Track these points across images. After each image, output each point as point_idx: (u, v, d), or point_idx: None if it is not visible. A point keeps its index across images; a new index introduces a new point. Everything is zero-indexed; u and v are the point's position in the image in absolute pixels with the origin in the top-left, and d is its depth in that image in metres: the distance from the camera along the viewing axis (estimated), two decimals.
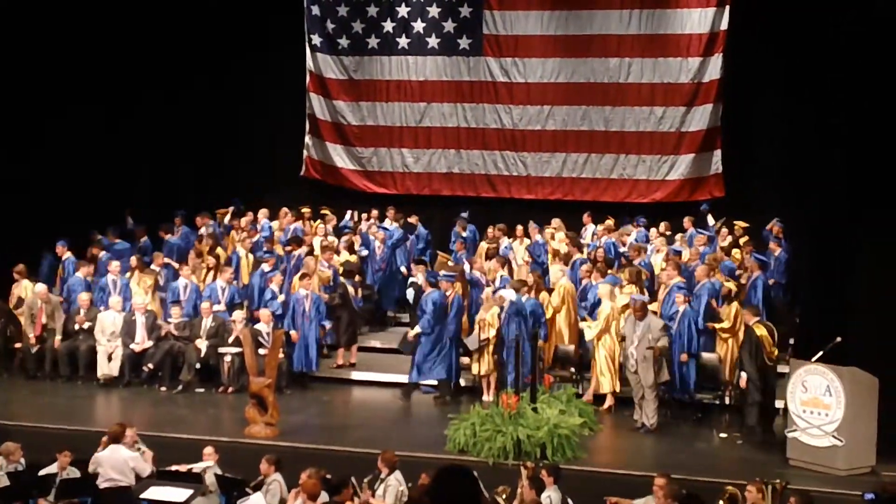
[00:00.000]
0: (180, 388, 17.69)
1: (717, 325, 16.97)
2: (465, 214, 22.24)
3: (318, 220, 22.65)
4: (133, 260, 19.67)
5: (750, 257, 18.95)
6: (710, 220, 21.59)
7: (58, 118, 21.37)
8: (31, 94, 20.65)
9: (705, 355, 17.04)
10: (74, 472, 12.48)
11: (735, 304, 17.06)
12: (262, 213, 22.48)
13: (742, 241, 20.53)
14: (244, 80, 24.36)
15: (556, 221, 21.64)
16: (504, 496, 11.60)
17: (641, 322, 15.67)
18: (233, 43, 23.92)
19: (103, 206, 21.48)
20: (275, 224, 22.27)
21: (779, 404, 15.86)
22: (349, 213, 23.06)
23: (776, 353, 15.60)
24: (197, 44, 23.37)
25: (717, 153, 22.53)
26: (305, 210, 22.83)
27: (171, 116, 23.42)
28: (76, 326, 18.21)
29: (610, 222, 21.77)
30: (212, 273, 19.61)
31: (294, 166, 24.92)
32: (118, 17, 22.04)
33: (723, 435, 15.69)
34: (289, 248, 20.36)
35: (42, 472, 12.49)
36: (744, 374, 15.17)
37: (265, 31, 24.19)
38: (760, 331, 15.25)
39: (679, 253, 19.77)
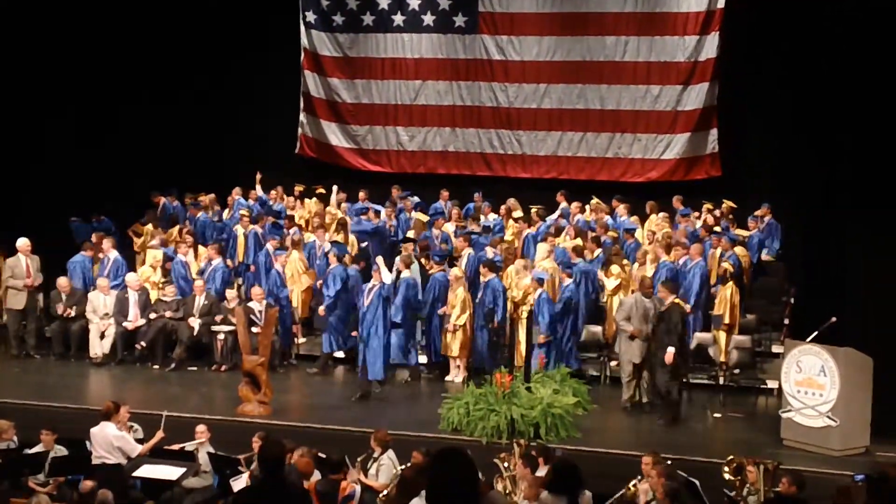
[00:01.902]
0: (173, 366, 17.67)
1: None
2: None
3: (314, 199, 22.60)
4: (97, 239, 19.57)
5: (724, 237, 18.97)
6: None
7: (57, 118, 21.46)
8: (31, 93, 20.59)
9: (699, 335, 17.08)
10: (62, 451, 12.43)
11: (731, 285, 17.07)
12: (236, 192, 22.48)
13: (728, 219, 20.60)
14: (241, 69, 24.28)
15: (511, 201, 21.77)
16: (505, 463, 11.59)
17: (650, 300, 15.65)
18: (230, 31, 23.90)
19: (103, 202, 21.43)
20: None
21: (773, 384, 15.89)
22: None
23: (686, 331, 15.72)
24: (195, 34, 23.28)
25: (714, 132, 22.45)
26: (298, 188, 22.74)
27: (168, 108, 23.30)
28: (60, 312, 18.16)
29: (595, 201, 21.77)
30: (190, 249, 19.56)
31: (288, 145, 24.84)
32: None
33: (717, 415, 15.70)
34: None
35: (30, 451, 12.44)
36: (671, 349, 15.09)
37: (259, 13, 24.04)
38: (682, 308, 15.39)
39: (632, 231, 20.00)
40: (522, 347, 16.46)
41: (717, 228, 19.69)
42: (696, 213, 21.02)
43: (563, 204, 21.91)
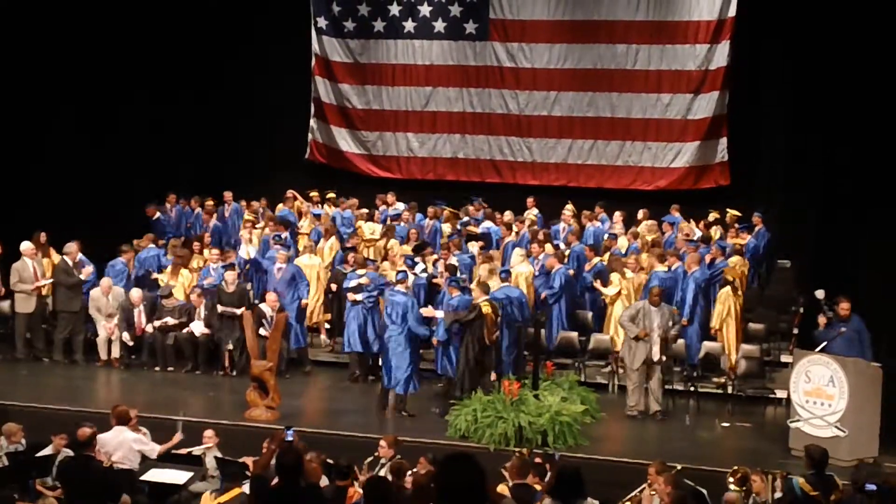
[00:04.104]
0: (189, 366, 17.82)
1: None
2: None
3: (329, 203, 22.64)
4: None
5: (714, 245, 18.93)
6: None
7: (70, 115, 21.58)
8: (31, 95, 20.63)
9: (708, 343, 17.06)
10: (70, 454, 12.42)
11: (727, 289, 17.12)
12: (227, 196, 22.51)
13: (733, 229, 20.59)
14: (247, 68, 24.35)
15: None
16: (511, 470, 11.56)
17: (657, 308, 15.64)
18: (237, 29, 24.03)
19: (107, 203, 21.50)
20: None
21: (781, 394, 15.86)
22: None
23: (496, 335, 15.69)
24: (202, 31, 23.40)
25: (723, 141, 22.42)
26: (314, 194, 22.67)
27: (176, 106, 23.38)
28: (78, 276, 18.17)
29: (570, 206, 21.85)
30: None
31: (297, 150, 24.90)
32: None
33: (725, 424, 15.67)
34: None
35: (39, 454, 12.45)
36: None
37: (270, 15, 24.15)
38: (486, 309, 15.46)
39: (615, 237, 20.01)
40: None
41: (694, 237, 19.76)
42: (703, 222, 21.01)
43: (535, 210, 22.03)
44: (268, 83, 24.38)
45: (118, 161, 22.17)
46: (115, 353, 17.99)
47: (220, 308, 17.73)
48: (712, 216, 21.08)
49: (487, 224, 21.10)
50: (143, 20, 22.42)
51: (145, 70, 22.81)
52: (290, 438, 10.00)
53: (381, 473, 12.09)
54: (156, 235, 20.50)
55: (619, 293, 17.94)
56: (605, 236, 20.08)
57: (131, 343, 17.98)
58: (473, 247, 19.46)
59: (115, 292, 18.19)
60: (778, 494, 11.14)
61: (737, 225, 20.48)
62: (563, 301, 17.98)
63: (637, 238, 20.11)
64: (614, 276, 18.08)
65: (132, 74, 22.50)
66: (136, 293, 18.25)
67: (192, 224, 22.06)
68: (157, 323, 17.93)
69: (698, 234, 20.06)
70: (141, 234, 20.40)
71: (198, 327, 17.84)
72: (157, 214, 21.65)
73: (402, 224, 20.98)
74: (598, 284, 18.29)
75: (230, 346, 17.62)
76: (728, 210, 20.98)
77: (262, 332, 16.37)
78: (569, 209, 21.67)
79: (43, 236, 19.12)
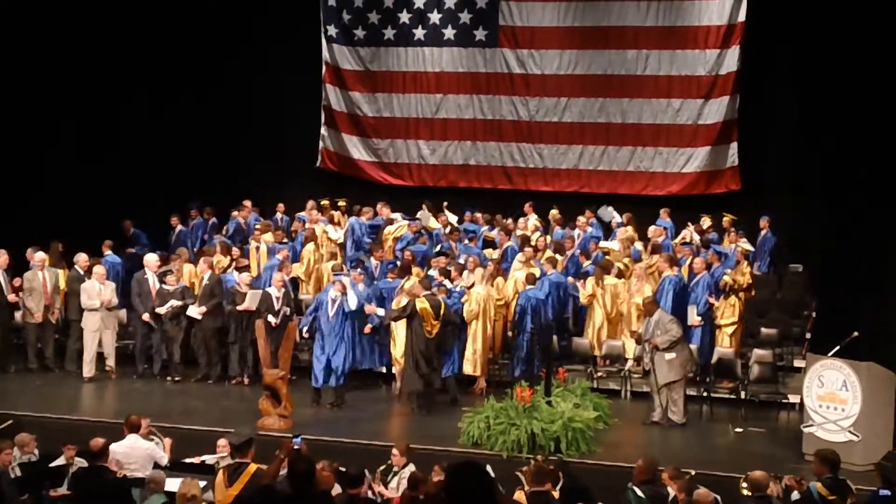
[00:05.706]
0: (194, 380, 17.81)
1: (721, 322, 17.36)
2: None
3: (338, 211, 22.67)
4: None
5: (710, 249, 18.93)
6: (616, 215, 21.64)
7: (73, 118, 21.65)
8: (35, 93, 20.71)
9: (720, 349, 17.02)
10: (83, 464, 12.44)
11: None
12: (246, 204, 22.62)
13: (730, 232, 20.58)
14: (258, 72, 24.42)
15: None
16: (528, 476, 11.55)
17: (651, 318, 15.62)
18: (247, 35, 24.13)
19: (106, 209, 21.58)
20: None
21: (794, 399, 15.82)
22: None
23: (436, 328, 15.92)
24: (202, 31, 23.49)
25: (734, 146, 22.44)
26: (325, 202, 22.71)
27: (177, 107, 23.47)
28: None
29: (554, 212, 21.96)
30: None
31: (298, 153, 24.98)
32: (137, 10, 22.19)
33: (738, 430, 15.63)
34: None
35: (52, 465, 12.47)
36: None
37: (280, 22, 24.24)
38: (422, 304, 15.73)
39: (598, 239, 20.20)
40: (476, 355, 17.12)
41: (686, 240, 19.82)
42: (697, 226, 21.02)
43: (533, 216, 22.04)
44: (269, 84, 24.42)
45: (118, 164, 22.29)
46: (111, 363, 17.97)
47: (238, 308, 17.63)
48: (703, 221, 21.08)
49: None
50: (143, 22, 22.51)
51: (145, 71, 22.89)
52: (297, 446, 10.01)
53: (395, 482, 12.11)
54: (135, 249, 20.65)
55: (591, 297, 17.89)
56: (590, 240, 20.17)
57: (147, 318, 17.84)
58: (493, 253, 19.53)
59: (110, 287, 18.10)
60: (795, 495, 11.08)
61: (733, 229, 20.49)
62: (548, 310, 17.88)
63: (631, 243, 20.09)
64: (589, 281, 18.07)
65: (132, 76, 22.58)
66: (151, 258, 18.30)
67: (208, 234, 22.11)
68: (162, 310, 17.82)
69: (696, 238, 20.09)
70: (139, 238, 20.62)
71: (193, 311, 17.76)
72: (132, 230, 21.87)
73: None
74: (578, 284, 18.26)
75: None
76: (724, 214, 20.98)
77: (270, 318, 16.42)
78: (552, 215, 21.75)
79: (60, 246, 19.18)
